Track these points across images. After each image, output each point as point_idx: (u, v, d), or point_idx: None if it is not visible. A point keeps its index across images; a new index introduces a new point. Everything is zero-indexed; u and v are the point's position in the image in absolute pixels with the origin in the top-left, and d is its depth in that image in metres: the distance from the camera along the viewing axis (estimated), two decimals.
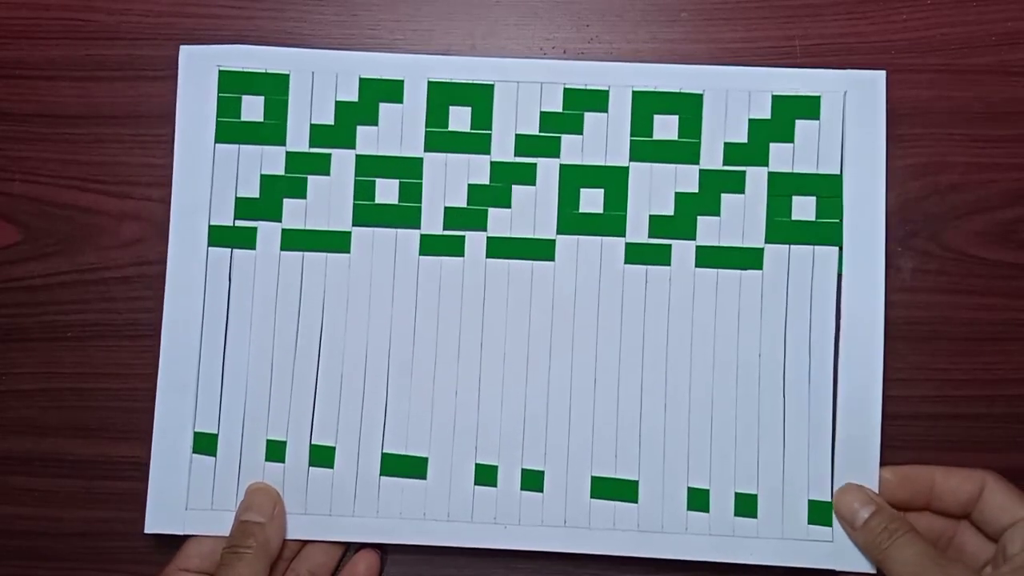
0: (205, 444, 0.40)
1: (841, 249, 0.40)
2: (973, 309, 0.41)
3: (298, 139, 0.41)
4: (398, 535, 0.40)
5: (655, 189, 0.41)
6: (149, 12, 0.42)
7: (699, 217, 0.41)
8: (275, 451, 0.40)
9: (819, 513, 0.40)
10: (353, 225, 0.41)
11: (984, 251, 0.41)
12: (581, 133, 0.41)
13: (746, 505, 0.40)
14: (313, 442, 0.41)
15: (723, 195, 0.41)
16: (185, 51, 0.41)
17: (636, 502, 0.40)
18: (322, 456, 0.41)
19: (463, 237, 0.41)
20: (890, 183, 0.41)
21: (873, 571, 0.39)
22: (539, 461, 0.40)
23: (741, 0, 0.41)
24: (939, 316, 0.41)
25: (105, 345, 0.41)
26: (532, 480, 0.40)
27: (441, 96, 0.41)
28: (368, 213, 0.41)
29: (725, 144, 0.41)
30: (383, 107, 0.41)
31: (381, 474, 0.40)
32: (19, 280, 0.42)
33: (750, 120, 0.41)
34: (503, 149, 0.41)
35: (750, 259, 0.41)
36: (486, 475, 0.40)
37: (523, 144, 0.41)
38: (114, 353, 0.41)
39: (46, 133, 0.42)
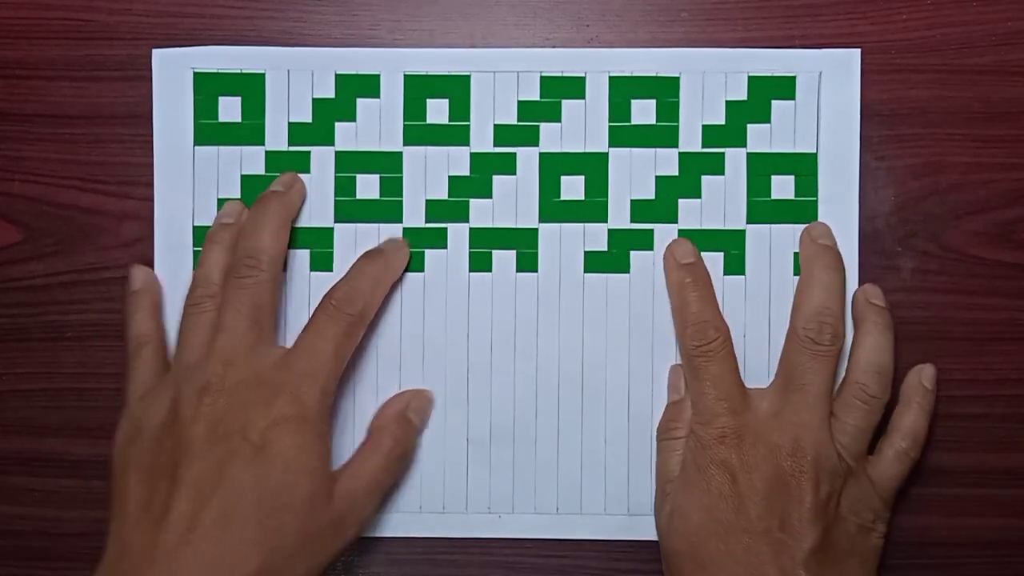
0: None
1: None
2: (973, 309, 0.41)
3: (277, 138, 0.41)
4: (395, 528, 0.41)
5: (635, 174, 0.41)
6: (149, 12, 0.41)
7: (680, 200, 0.41)
8: None
9: None
10: (335, 222, 0.41)
11: (984, 251, 0.41)
12: (559, 121, 0.41)
13: None
14: None
15: (703, 177, 0.41)
16: (158, 55, 0.41)
17: (627, 484, 0.40)
18: None
19: (445, 229, 0.41)
20: (890, 183, 0.41)
21: None
22: (530, 449, 0.41)
23: (741, 0, 0.41)
24: (939, 316, 0.41)
25: (105, 345, 0.41)
26: (524, 468, 0.41)
27: (418, 89, 0.41)
28: (349, 209, 0.41)
29: (703, 126, 0.41)
30: (360, 102, 0.41)
31: None
32: (19, 280, 0.42)
33: (727, 102, 0.41)
34: (482, 140, 0.41)
35: (732, 240, 0.41)
36: (479, 463, 0.41)
37: (502, 134, 0.41)
38: (114, 353, 0.41)
39: (46, 133, 0.42)
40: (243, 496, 0.35)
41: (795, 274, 0.41)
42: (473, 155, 0.41)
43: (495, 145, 0.41)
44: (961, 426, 0.41)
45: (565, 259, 0.41)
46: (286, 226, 0.39)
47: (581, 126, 0.41)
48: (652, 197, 0.41)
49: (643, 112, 0.41)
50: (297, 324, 0.41)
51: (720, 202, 0.41)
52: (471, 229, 0.41)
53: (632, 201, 0.41)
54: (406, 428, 0.40)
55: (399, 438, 0.39)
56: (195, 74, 0.41)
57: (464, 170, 0.41)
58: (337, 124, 0.41)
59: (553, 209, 0.41)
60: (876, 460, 0.39)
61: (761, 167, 0.41)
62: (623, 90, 0.41)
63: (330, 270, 0.41)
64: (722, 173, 0.41)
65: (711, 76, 0.41)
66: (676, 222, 0.41)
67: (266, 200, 0.40)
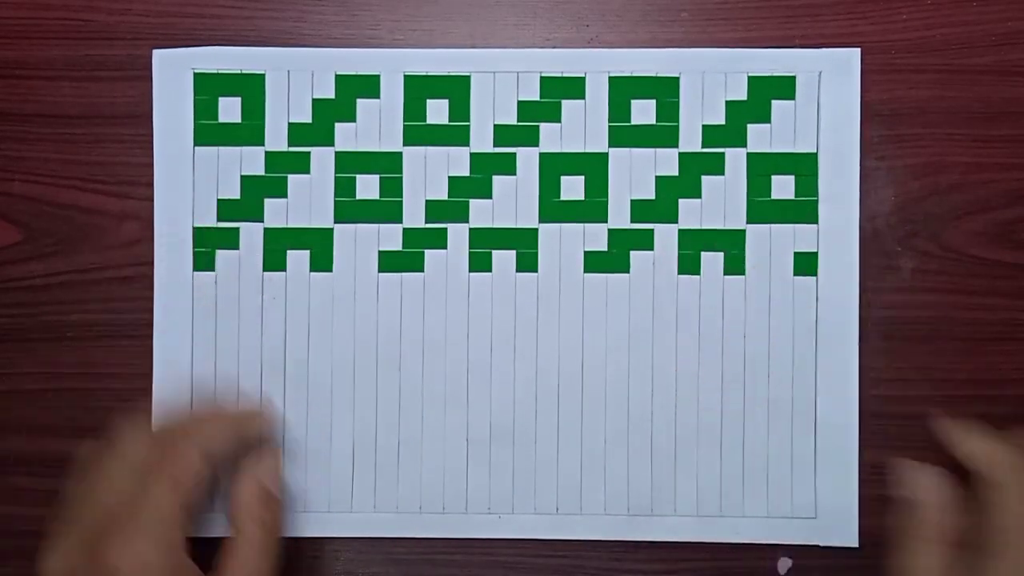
0: None
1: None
2: (973, 309, 0.41)
3: (277, 139, 0.41)
4: (395, 528, 0.41)
5: (635, 174, 0.41)
6: (149, 12, 0.42)
7: (680, 200, 0.41)
8: None
9: (803, 490, 0.40)
10: (335, 222, 0.41)
11: (984, 251, 0.41)
12: (559, 121, 0.41)
13: (733, 485, 0.41)
14: (310, 444, 0.41)
15: (703, 177, 0.41)
16: (158, 55, 0.41)
17: (627, 484, 0.40)
18: (319, 456, 0.41)
19: (445, 229, 0.41)
20: (890, 183, 0.41)
21: (855, 544, 0.40)
22: (530, 449, 0.41)
23: (741, 0, 0.41)
24: (939, 316, 0.41)
25: (105, 345, 0.41)
26: (524, 468, 0.41)
27: (418, 89, 0.41)
28: (349, 209, 0.41)
29: (703, 126, 0.41)
30: (360, 103, 0.41)
31: (376, 470, 0.41)
32: (19, 280, 0.42)
33: (727, 102, 0.41)
34: (482, 140, 0.41)
35: (732, 240, 0.41)
36: (479, 464, 0.41)
37: (502, 134, 0.41)
38: (114, 353, 0.41)
39: (46, 133, 0.42)
40: None
41: (795, 274, 0.41)
42: (473, 155, 0.41)
43: (495, 145, 0.41)
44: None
45: (565, 259, 0.41)
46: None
47: (581, 126, 0.41)
48: (652, 197, 0.41)
49: (643, 112, 0.41)
50: (296, 328, 0.41)
51: (720, 202, 0.41)
52: (471, 229, 0.41)
53: (632, 201, 0.41)
54: (270, 506, 0.38)
55: (266, 521, 0.37)
56: (195, 74, 0.41)
57: (464, 170, 0.41)
58: (337, 124, 0.41)
59: (553, 209, 0.41)
60: None
61: (761, 167, 0.41)
62: (623, 90, 0.41)
63: (330, 270, 0.41)
64: (722, 173, 0.41)
65: (711, 76, 0.41)
66: (676, 222, 0.41)
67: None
